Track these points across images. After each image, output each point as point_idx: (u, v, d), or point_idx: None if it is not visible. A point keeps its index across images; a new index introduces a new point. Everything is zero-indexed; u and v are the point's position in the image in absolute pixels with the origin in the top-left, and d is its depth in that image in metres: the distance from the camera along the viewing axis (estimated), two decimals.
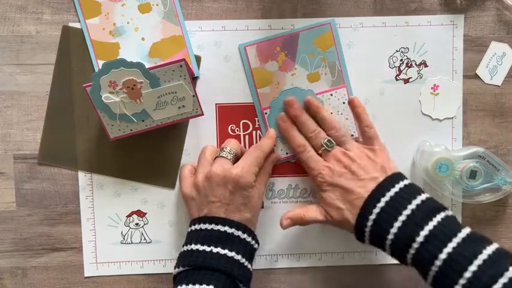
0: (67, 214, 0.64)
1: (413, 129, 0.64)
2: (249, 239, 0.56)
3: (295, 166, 0.64)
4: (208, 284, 0.51)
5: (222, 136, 0.63)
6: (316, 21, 0.62)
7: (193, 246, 0.54)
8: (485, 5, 0.63)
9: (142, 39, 0.62)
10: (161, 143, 0.63)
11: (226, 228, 0.54)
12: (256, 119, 0.63)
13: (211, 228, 0.54)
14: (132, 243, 0.64)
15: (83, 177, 0.63)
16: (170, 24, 0.62)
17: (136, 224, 0.64)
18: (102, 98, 0.55)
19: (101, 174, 0.63)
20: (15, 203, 0.63)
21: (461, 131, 0.64)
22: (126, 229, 0.64)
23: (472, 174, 0.61)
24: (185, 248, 0.55)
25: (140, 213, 0.64)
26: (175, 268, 0.55)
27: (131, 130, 0.58)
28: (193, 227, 0.56)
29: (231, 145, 0.59)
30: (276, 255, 0.65)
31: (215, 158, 0.58)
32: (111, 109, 0.56)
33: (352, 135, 0.62)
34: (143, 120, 0.58)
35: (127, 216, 0.64)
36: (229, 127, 0.63)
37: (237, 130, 0.63)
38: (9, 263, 0.64)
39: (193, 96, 0.57)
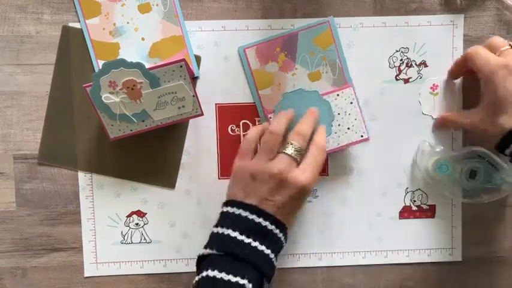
0: (67, 214, 0.64)
1: (413, 129, 0.64)
2: (282, 238, 0.54)
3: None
4: (243, 278, 0.50)
5: (222, 136, 0.63)
6: (315, 20, 0.62)
7: (232, 233, 0.52)
8: (485, 5, 0.63)
9: (142, 39, 0.62)
10: (161, 143, 0.63)
11: (273, 228, 0.52)
12: (257, 119, 0.63)
13: (259, 222, 0.52)
14: (132, 243, 0.64)
15: (83, 177, 0.63)
16: (170, 24, 0.62)
17: (137, 224, 0.64)
18: (102, 98, 0.55)
19: (101, 174, 0.63)
20: (15, 203, 0.63)
21: (461, 131, 0.64)
22: (126, 229, 0.64)
23: (472, 174, 0.61)
24: (221, 230, 0.53)
25: (140, 213, 0.64)
26: (205, 248, 0.53)
27: (131, 130, 0.58)
28: (236, 210, 0.53)
29: (301, 143, 0.54)
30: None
31: (279, 153, 0.54)
32: (111, 109, 0.56)
33: (362, 136, 0.61)
34: (143, 121, 0.58)
35: (127, 216, 0.64)
36: (229, 127, 0.63)
37: (237, 130, 0.63)
38: (9, 263, 0.64)
39: (193, 96, 0.57)
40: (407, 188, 0.65)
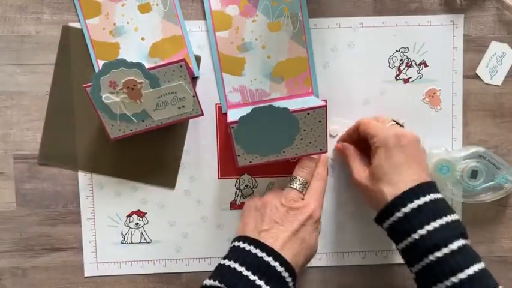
0: (67, 214, 0.64)
1: (413, 130, 0.64)
2: (291, 284, 0.53)
3: (295, 166, 0.64)
4: None
5: (222, 136, 0.63)
6: None
7: (240, 269, 0.52)
8: (485, 5, 0.63)
9: (143, 39, 0.62)
10: (161, 143, 0.63)
11: (282, 270, 0.52)
12: None
13: (268, 262, 0.52)
14: (132, 243, 0.64)
15: (83, 177, 0.63)
16: (170, 24, 0.62)
17: (137, 224, 0.64)
18: (102, 98, 0.55)
19: (101, 174, 0.63)
20: (15, 203, 0.63)
21: (461, 131, 0.64)
22: (126, 229, 0.64)
23: (473, 174, 0.61)
24: (230, 263, 0.53)
25: (140, 213, 0.64)
26: (210, 279, 0.52)
27: (131, 130, 0.58)
28: (247, 247, 0.54)
29: (305, 176, 0.59)
30: None
31: (286, 188, 0.58)
32: (111, 109, 0.56)
33: (321, 150, 0.58)
34: (143, 120, 0.58)
35: (127, 216, 0.64)
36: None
37: None
38: (9, 263, 0.64)
39: (194, 96, 0.57)
40: None
